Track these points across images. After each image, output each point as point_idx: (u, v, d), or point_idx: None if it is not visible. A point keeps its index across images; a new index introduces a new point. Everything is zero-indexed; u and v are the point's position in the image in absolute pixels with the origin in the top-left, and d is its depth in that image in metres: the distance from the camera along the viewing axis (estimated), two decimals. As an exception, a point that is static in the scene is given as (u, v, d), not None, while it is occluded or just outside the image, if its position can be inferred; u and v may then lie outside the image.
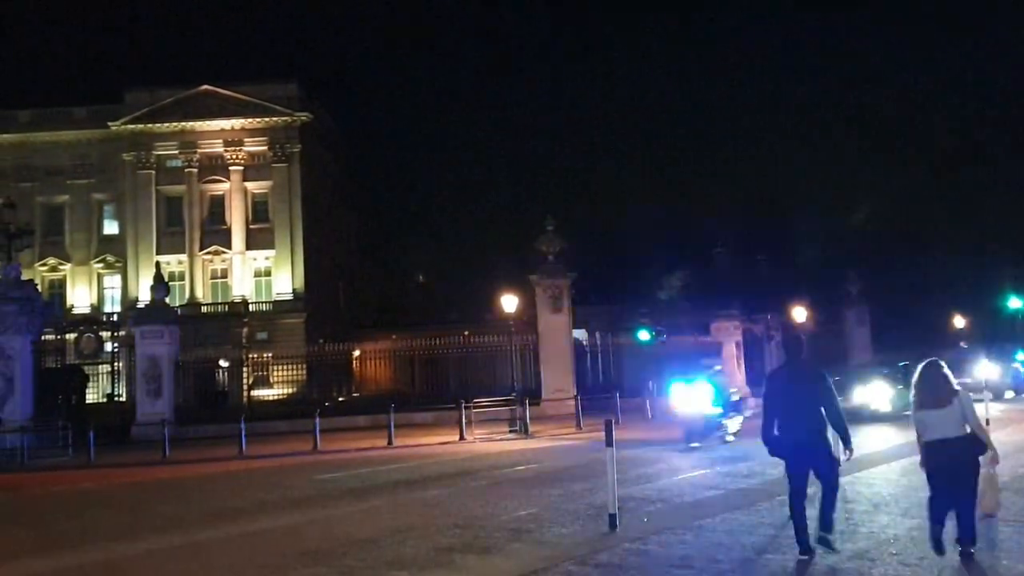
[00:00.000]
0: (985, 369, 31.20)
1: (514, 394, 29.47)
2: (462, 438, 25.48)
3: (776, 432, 8.69)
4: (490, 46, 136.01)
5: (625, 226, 71.08)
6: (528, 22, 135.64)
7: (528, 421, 26.61)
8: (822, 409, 8.50)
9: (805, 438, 8.47)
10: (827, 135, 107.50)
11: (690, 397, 20.39)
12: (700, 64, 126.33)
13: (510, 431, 26.72)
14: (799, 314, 46.10)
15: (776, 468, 16.11)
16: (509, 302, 30.53)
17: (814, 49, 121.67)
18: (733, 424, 20.63)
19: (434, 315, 67.31)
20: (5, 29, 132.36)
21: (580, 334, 38.21)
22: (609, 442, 10.92)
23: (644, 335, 36.95)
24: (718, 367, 23.08)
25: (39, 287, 38.99)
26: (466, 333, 36.72)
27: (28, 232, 35.49)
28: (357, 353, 49.55)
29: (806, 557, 8.49)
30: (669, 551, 9.42)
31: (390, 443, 25.22)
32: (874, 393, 26.17)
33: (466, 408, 26.60)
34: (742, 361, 41.66)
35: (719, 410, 20.20)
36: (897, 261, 69.75)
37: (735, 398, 21.91)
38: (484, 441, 25.32)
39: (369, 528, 11.85)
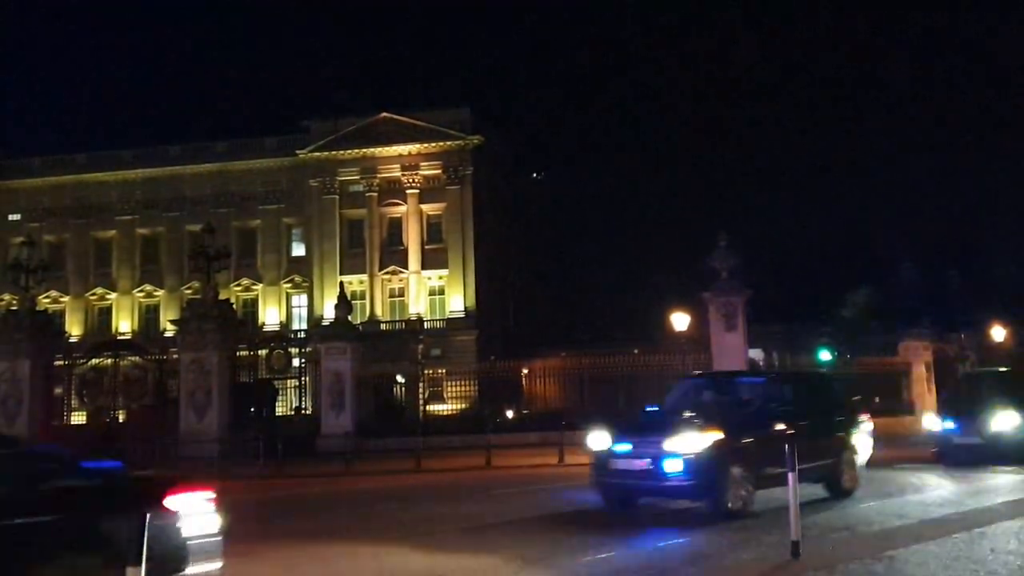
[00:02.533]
0: None
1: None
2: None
3: None
4: (656, 61, 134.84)
5: (804, 241, 67.93)
6: (682, 39, 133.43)
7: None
8: None
9: None
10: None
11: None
12: (894, 71, 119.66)
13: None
14: (997, 333, 42.37)
15: (973, 499, 14.86)
16: (680, 320, 29.74)
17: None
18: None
19: (603, 333, 66.85)
20: (207, 67, 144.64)
21: (755, 354, 36.72)
22: (792, 467, 10.28)
23: (825, 355, 35.00)
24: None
25: (234, 306, 41.71)
26: (635, 351, 36.10)
27: (225, 255, 37.90)
28: (526, 371, 49.96)
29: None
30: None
31: (561, 460, 25.10)
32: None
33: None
34: (932, 384, 38.68)
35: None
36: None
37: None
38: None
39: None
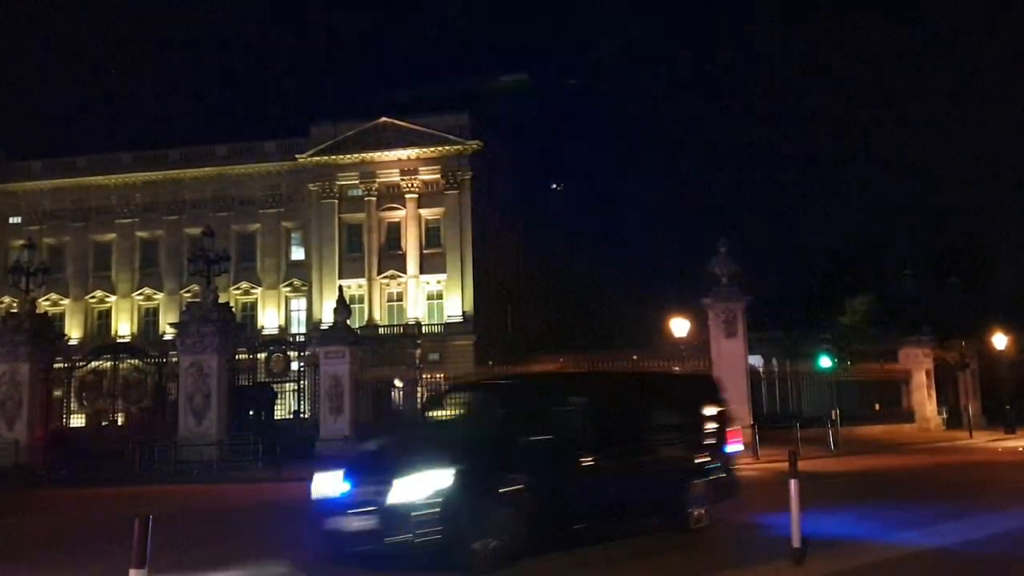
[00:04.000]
0: None
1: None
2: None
3: None
4: (657, 69, 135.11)
5: (804, 247, 67.92)
6: (672, 42, 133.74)
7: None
8: None
9: None
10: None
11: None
12: (905, 80, 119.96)
13: (682, 459, 25.88)
14: (999, 341, 42.40)
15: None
16: (679, 326, 29.73)
17: None
18: None
19: (601, 339, 66.88)
20: (208, 71, 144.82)
21: (755, 360, 36.75)
22: (794, 473, 10.28)
23: (825, 362, 34.99)
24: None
25: (233, 309, 41.70)
26: (635, 357, 36.10)
27: (225, 258, 37.82)
28: (521, 375, 49.92)
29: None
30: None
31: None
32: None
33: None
34: (933, 391, 38.73)
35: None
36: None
37: None
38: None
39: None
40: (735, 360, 32.08)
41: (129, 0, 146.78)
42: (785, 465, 10.70)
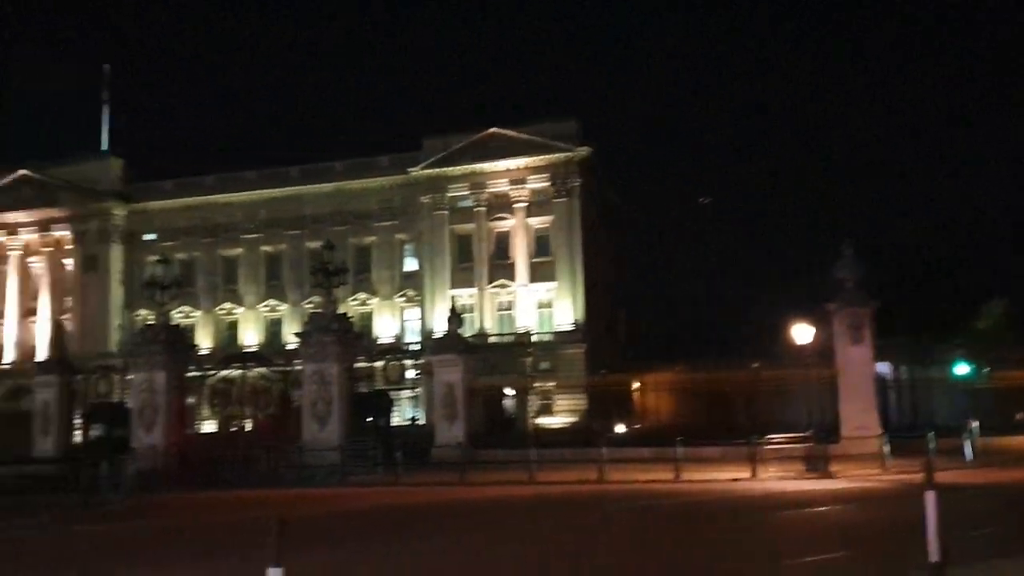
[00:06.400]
0: None
1: (810, 431, 27.57)
2: (754, 475, 24.29)
3: None
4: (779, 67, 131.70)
5: (934, 249, 64.37)
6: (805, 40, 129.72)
7: (827, 460, 24.82)
8: None
9: None
10: None
11: None
12: None
13: (807, 470, 25.04)
14: None
15: None
16: (802, 333, 28.70)
17: None
18: None
19: (718, 346, 65.40)
20: (327, 90, 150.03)
21: (883, 367, 35.13)
22: (930, 484, 9.73)
23: (962, 369, 33.08)
24: None
25: (351, 320, 42.83)
26: (754, 365, 35.11)
27: (344, 271, 39.10)
28: (637, 384, 49.33)
29: None
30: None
31: (677, 477, 24.67)
32: None
33: (757, 444, 25.36)
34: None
35: None
36: None
37: None
38: (778, 480, 23.97)
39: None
40: (862, 367, 30.82)
41: (245, 24, 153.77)
42: (916, 476, 10.15)
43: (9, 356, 70.04)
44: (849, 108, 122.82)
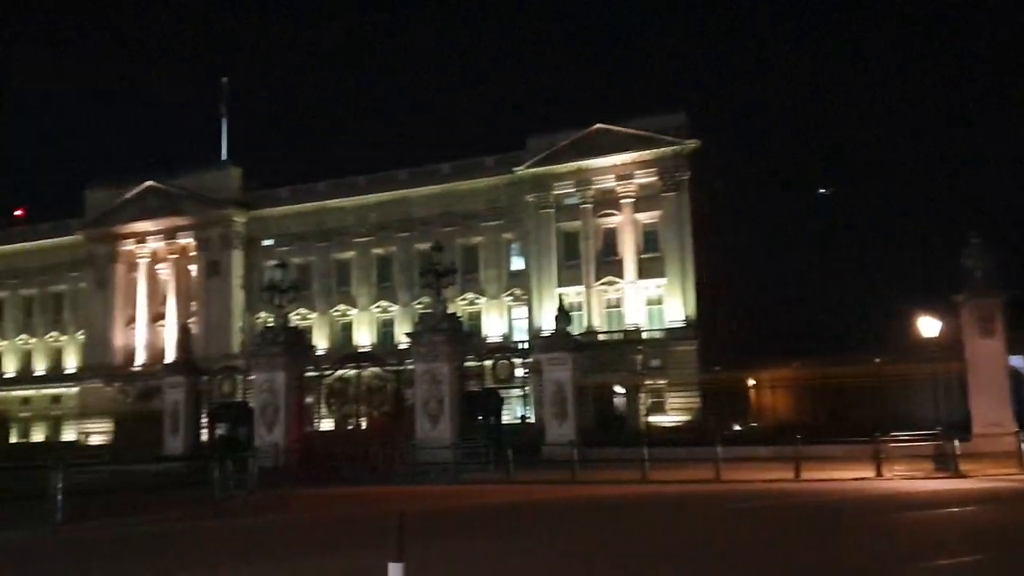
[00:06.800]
0: None
1: (939, 428, 26.23)
2: (879, 475, 23.30)
3: None
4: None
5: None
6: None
7: (957, 459, 23.55)
8: None
9: None
10: None
11: None
12: None
13: (936, 469, 23.84)
14: None
15: None
16: (928, 325, 27.30)
17: None
18: None
19: (836, 341, 63.12)
20: (433, 93, 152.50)
21: (1017, 361, 33.06)
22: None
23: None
24: None
25: (460, 319, 43.37)
26: (876, 360, 33.66)
27: (452, 271, 39.68)
28: (752, 382, 48.12)
29: None
30: None
31: (797, 476, 23.91)
32: None
33: (881, 442, 24.30)
34: None
35: None
36: None
37: None
38: (905, 479, 22.91)
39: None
40: (993, 361, 29.13)
41: (352, 32, 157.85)
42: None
43: (140, 359, 74.13)
44: (972, 90, 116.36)
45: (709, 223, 64.49)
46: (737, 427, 43.56)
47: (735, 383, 40.79)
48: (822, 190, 74.23)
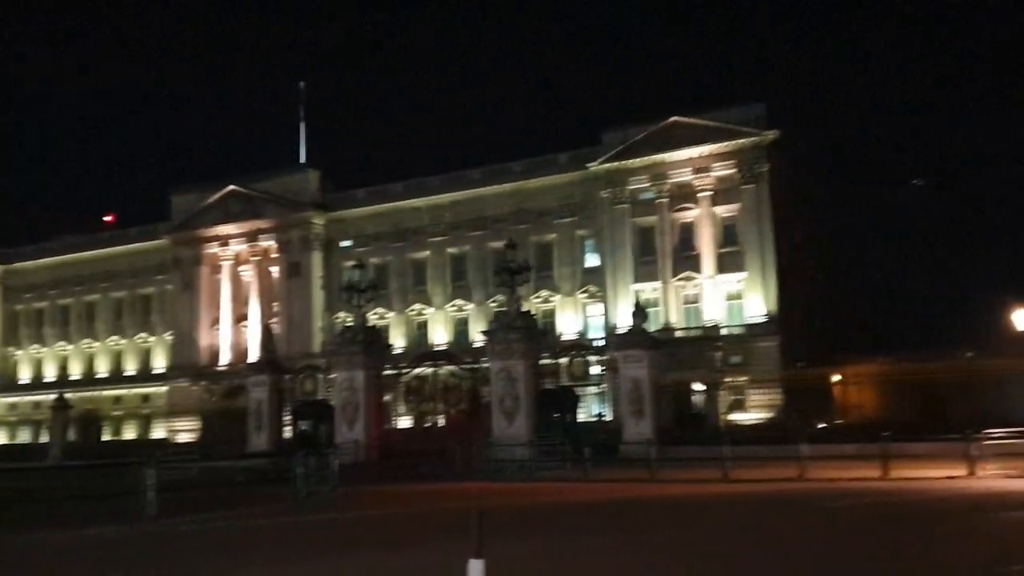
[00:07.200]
0: None
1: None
2: (971, 473, 22.36)
3: None
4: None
5: None
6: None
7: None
8: None
9: None
10: None
11: None
12: None
13: (1033, 468, 22.72)
14: None
15: None
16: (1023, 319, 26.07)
17: None
18: None
19: (925, 336, 60.89)
20: (504, 90, 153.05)
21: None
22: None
23: None
24: None
25: (535, 317, 43.33)
26: (968, 355, 32.31)
27: (526, 269, 39.62)
28: (837, 378, 46.73)
29: None
30: None
31: (885, 474, 23.13)
32: None
33: (974, 440, 23.31)
34: None
35: None
36: None
37: None
38: (1000, 478, 21.89)
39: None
40: (1097, 355, 27.60)
41: (422, 34, 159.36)
42: None
43: (225, 358, 76.31)
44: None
45: (790, 215, 62.94)
46: (821, 425, 42.38)
47: (819, 379, 39.61)
48: (915, 181, 71.64)
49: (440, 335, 70.99)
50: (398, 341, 68.83)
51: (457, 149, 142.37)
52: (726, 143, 61.07)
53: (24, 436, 74.38)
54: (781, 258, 59.95)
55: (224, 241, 78.28)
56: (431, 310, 72.08)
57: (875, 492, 20.26)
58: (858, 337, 63.29)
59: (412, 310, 72.68)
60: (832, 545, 13.10)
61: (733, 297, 61.11)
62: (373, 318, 58.85)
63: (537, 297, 66.16)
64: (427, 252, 72.94)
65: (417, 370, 40.28)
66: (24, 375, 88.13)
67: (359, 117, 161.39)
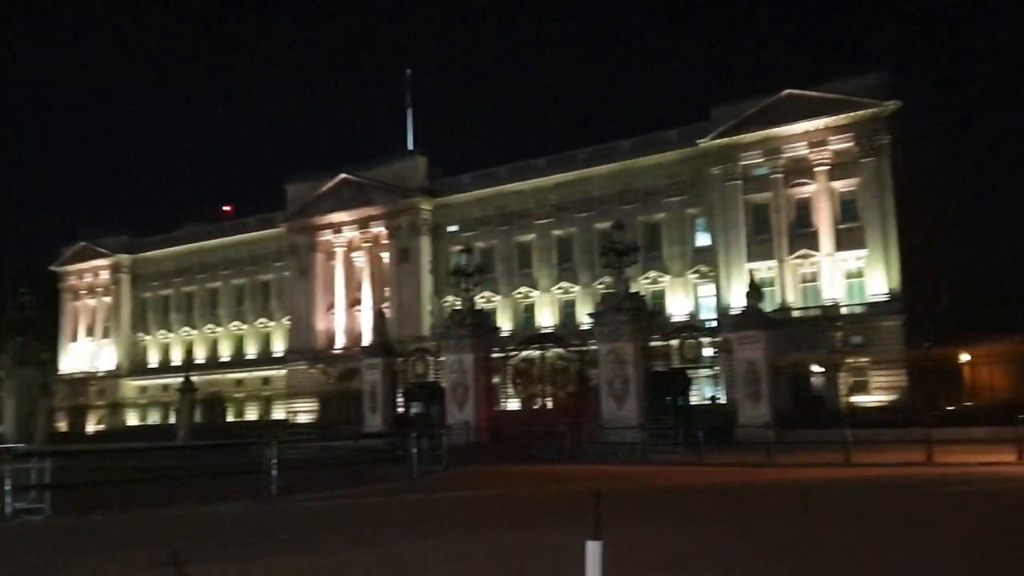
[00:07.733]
0: None
1: None
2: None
3: None
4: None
5: None
6: None
7: None
8: None
9: None
10: None
11: None
12: None
13: None
14: None
15: None
16: None
17: None
18: None
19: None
20: (611, 69, 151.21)
21: None
22: None
23: None
24: None
25: (643, 298, 42.68)
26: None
27: (634, 249, 39.04)
28: (966, 358, 44.32)
29: None
30: None
31: (1021, 458, 21.76)
32: None
33: None
34: None
35: None
36: None
37: None
38: None
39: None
40: None
41: (520, 21, 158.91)
42: None
43: (340, 342, 78.54)
44: None
45: (914, 189, 59.82)
46: (949, 407, 40.24)
47: (947, 359, 37.57)
48: None
49: (546, 318, 70.92)
50: (505, 324, 69.15)
51: (562, 131, 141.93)
52: (843, 115, 58.47)
53: (154, 417, 78.58)
54: (904, 234, 57.08)
55: (337, 228, 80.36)
56: (537, 293, 72.10)
57: (1010, 478, 18.97)
58: (989, 315, 59.72)
59: (518, 293, 72.88)
60: (971, 538, 12.24)
61: (853, 275, 58.64)
62: (480, 302, 59.30)
63: (646, 278, 65.24)
64: (533, 235, 72.90)
65: (524, 353, 40.33)
66: (152, 359, 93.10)
67: (465, 103, 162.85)
